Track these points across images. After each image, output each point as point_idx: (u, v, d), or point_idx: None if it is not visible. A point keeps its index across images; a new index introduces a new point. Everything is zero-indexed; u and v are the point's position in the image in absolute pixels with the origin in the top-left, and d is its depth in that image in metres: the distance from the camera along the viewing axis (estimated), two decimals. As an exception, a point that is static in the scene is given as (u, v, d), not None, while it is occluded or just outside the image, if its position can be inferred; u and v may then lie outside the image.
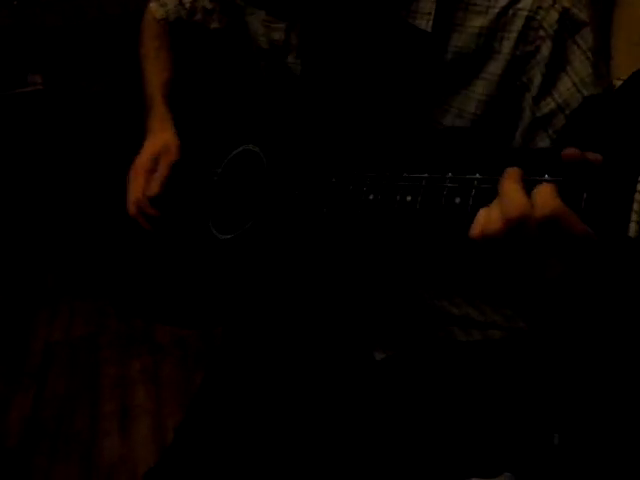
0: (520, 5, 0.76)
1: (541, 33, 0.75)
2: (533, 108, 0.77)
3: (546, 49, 0.75)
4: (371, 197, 0.73)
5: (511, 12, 0.76)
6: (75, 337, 2.37)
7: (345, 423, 0.92)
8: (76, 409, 2.03)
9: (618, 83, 0.80)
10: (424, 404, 0.89)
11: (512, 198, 0.53)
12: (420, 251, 0.90)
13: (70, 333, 2.40)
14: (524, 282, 0.58)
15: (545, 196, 0.52)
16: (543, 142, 0.77)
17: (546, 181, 0.53)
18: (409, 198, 0.67)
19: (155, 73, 1.15)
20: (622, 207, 0.49)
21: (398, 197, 0.69)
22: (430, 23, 0.78)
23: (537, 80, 0.76)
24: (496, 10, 0.77)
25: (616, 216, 0.49)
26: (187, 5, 1.12)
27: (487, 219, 0.56)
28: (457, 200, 0.61)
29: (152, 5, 1.17)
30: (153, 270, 1.10)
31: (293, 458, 0.91)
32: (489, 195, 0.58)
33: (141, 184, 1.05)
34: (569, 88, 0.75)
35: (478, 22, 0.78)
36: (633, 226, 0.48)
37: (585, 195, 0.51)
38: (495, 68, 0.78)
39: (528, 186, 0.54)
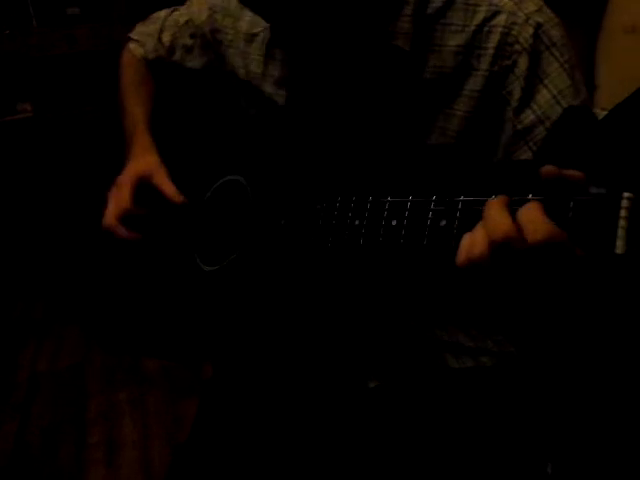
0: (494, 22, 0.77)
1: (517, 47, 0.77)
2: (513, 121, 0.78)
3: (523, 63, 0.76)
4: (356, 222, 0.73)
5: (486, 29, 0.78)
6: (61, 367, 2.34)
7: (338, 452, 0.91)
8: (62, 440, 2.00)
9: (602, 113, 0.82)
10: (417, 432, 0.88)
11: (496, 221, 0.54)
12: (408, 277, 0.89)
13: (56, 363, 2.37)
14: (512, 303, 0.58)
15: (536, 221, 0.52)
16: (525, 154, 0.78)
17: (530, 200, 0.54)
18: (394, 222, 0.67)
19: (136, 105, 1.14)
20: (608, 224, 0.49)
21: (383, 222, 0.69)
22: (408, 42, 0.80)
23: (516, 93, 0.77)
24: (472, 28, 0.79)
25: (602, 233, 0.50)
26: (166, 44, 1.12)
27: (472, 243, 0.56)
28: (442, 223, 0.61)
29: (131, 45, 1.17)
30: (138, 301, 1.09)
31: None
32: (474, 217, 0.58)
33: (121, 197, 1.02)
34: (548, 100, 0.76)
35: (455, 41, 0.80)
36: (619, 243, 0.48)
37: (570, 214, 0.52)
38: (474, 85, 0.79)
39: (512, 206, 0.55)
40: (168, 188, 1.01)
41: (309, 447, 0.93)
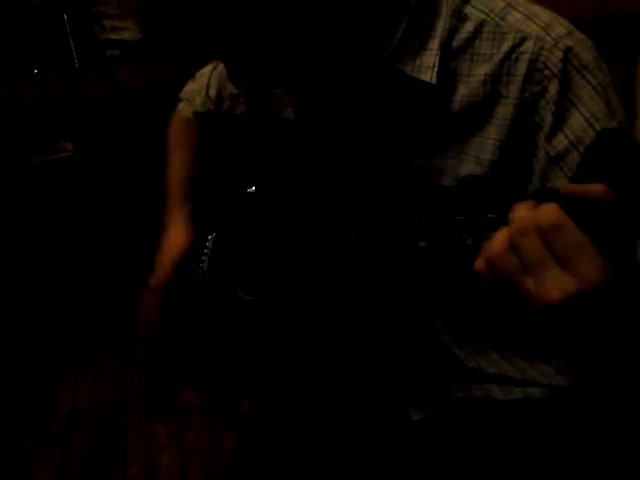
0: (522, 49, 0.76)
1: (547, 73, 0.75)
2: (547, 147, 0.76)
3: (554, 87, 0.75)
4: (387, 245, 0.74)
5: (514, 56, 0.77)
6: (100, 399, 2.37)
7: None
8: (102, 472, 2.02)
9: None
10: (463, 466, 0.87)
11: (518, 214, 0.56)
12: (444, 301, 0.90)
13: (95, 395, 2.39)
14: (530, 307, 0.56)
15: (547, 207, 0.53)
16: (560, 181, 0.76)
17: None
18: (422, 244, 0.67)
19: (177, 167, 1.20)
20: (629, 234, 0.49)
21: (412, 243, 0.69)
22: (435, 76, 0.79)
23: (548, 119, 0.76)
24: (500, 56, 0.77)
25: (624, 243, 0.50)
26: (213, 97, 1.16)
27: (490, 243, 0.57)
28: (469, 242, 0.61)
29: (180, 105, 1.22)
30: (181, 335, 1.11)
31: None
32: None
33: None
34: (581, 124, 0.74)
35: (482, 70, 0.79)
36: None
37: (592, 223, 0.52)
38: (505, 112, 0.78)
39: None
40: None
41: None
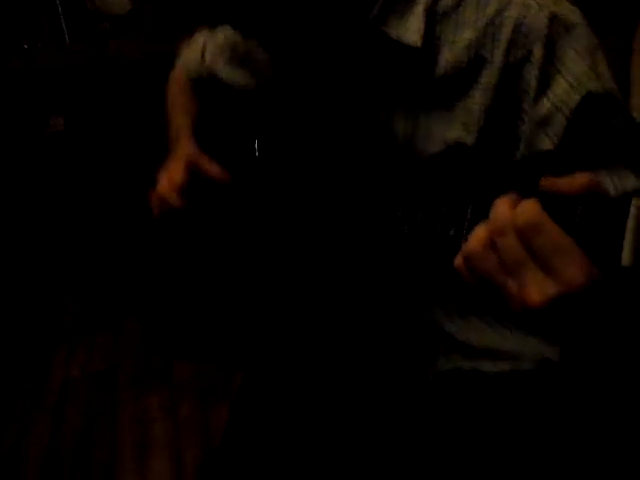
0: (507, 13, 0.76)
1: (531, 37, 0.75)
2: (531, 112, 0.76)
3: (538, 52, 0.75)
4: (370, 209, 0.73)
5: (499, 20, 0.76)
6: (93, 372, 2.37)
7: (372, 457, 0.92)
8: (94, 445, 2.02)
9: None
10: (451, 437, 0.87)
11: (497, 210, 0.52)
12: (433, 278, 0.89)
13: (88, 368, 2.40)
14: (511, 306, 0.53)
15: (526, 205, 0.50)
16: (546, 146, 0.76)
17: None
18: (406, 230, 0.66)
19: (180, 115, 1.18)
20: (614, 234, 0.46)
21: (397, 230, 0.68)
22: (420, 39, 0.79)
23: (533, 84, 0.76)
24: (484, 21, 0.77)
25: (608, 243, 0.46)
26: (207, 63, 1.15)
27: (470, 241, 0.54)
28: (452, 232, 0.59)
29: (177, 70, 1.23)
30: (178, 297, 1.11)
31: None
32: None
33: (174, 172, 1.03)
34: (565, 88, 0.74)
35: (467, 35, 0.79)
36: (626, 254, 0.45)
37: (577, 219, 0.48)
38: (490, 77, 0.78)
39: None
40: (214, 167, 1.01)
41: (344, 458, 0.92)
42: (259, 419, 0.98)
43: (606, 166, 0.73)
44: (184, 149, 1.09)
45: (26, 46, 2.89)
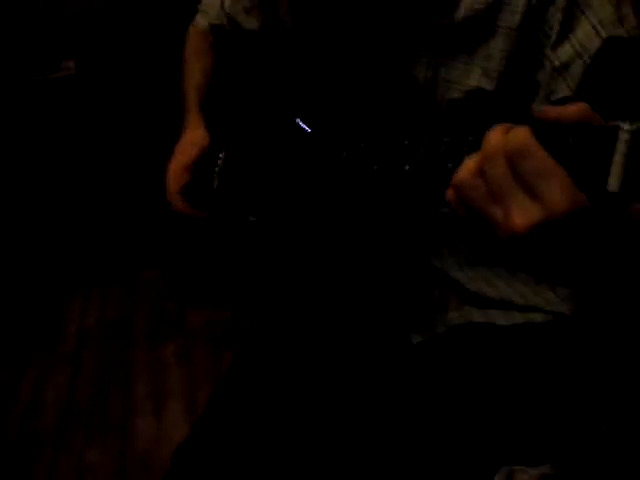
0: None
1: None
2: (552, 57, 0.74)
3: None
4: (375, 167, 0.71)
5: None
6: (108, 321, 2.40)
7: (382, 410, 0.91)
8: (110, 391, 2.06)
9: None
10: (463, 389, 0.87)
11: (489, 139, 0.51)
12: (441, 225, 0.88)
13: (103, 317, 2.42)
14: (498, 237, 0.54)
15: (516, 130, 0.49)
16: (563, 93, 0.74)
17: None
18: (407, 167, 0.65)
19: (194, 75, 1.20)
20: (602, 159, 0.45)
21: (398, 166, 0.66)
22: None
23: (556, 27, 0.73)
24: None
25: (596, 169, 0.46)
26: (227, 9, 1.15)
27: (459, 170, 0.53)
28: (449, 165, 0.58)
29: (197, 16, 1.23)
30: (195, 246, 1.13)
31: (326, 444, 0.90)
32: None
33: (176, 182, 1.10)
34: (587, 31, 0.71)
35: None
36: (613, 180, 0.44)
37: (563, 149, 0.48)
38: (511, 21, 0.75)
39: None
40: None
41: (350, 407, 0.92)
42: (262, 369, 0.98)
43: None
44: (192, 131, 1.14)
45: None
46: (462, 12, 0.77)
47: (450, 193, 0.54)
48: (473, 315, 0.92)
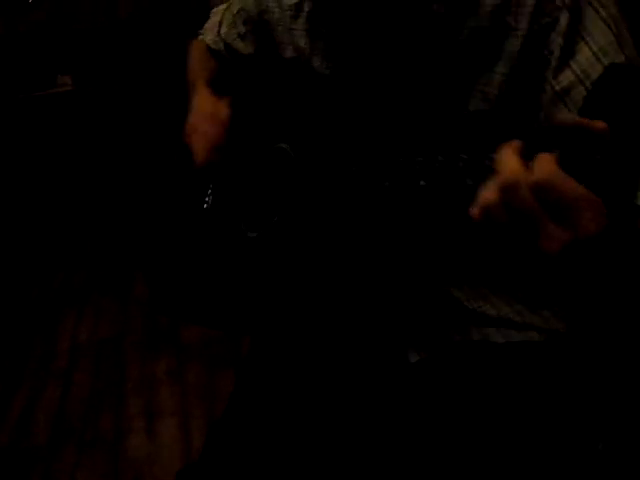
0: None
1: (558, 3, 0.72)
2: (552, 82, 0.74)
3: (564, 19, 0.72)
4: (387, 184, 0.72)
5: None
6: (101, 338, 2.38)
7: (379, 426, 0.91)
8: (102, 409, 2.05)
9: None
10: (460, 407, 0.86)
11: (507, 164, 0.53)
12: (445, 243, 0.88)
13: (96, 334, 2.41)
14: (532, 252, 0.56)
15: (541, 161, 0.50)
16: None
17: (547, 151, 0.51)
18: (422, 183, 0.65)
19: (199, 70, 1.19)
20: (630, 175, 0.46)
21: (413, 182, 0.67)
22: (442, 5, 0.77)
23: (556, 53, 0.73)
24: None
25: (624, 184, 0.47)
26: (223, 35, 1.15)
27: (485, 191, 0.55)
28: (469, 182, 0.59)
29: (199, 38, 1.23)
30: (186, 266, 1.11)
31: (326, 463, 0.90)
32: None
33: (207, 133, 1.05)
34: (588, 58, 0.72)
35: (491, 1, 0.76)
36: None
37: (589, 164, 0.49)
38: (513, 45, 0.76)
39: (528, 156, 0.53)
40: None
41: (348, 424, 0.92)
42: (264, 391, 0.98)
43: None
44: (204, 98, 1.11)
45: (31, 0, 2.84)
46: (465, 36, 0.78)
47: (475, 212, 0.56)
48: (472, 333, 0.91)
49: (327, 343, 0.99)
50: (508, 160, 0.53)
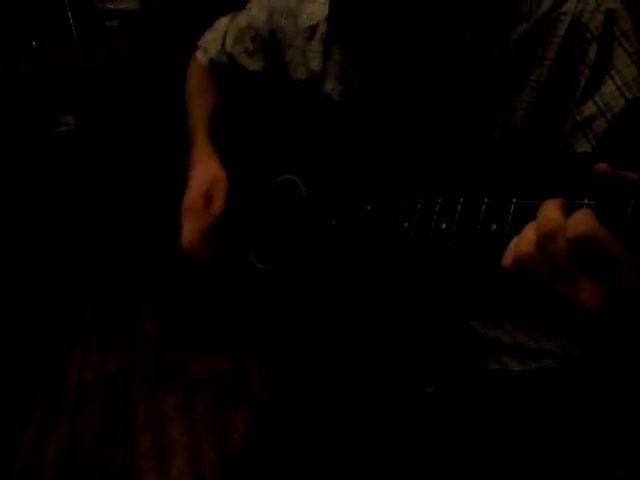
0: (563, 9, 0.74)
1: (587, 36, 0.73)
2: (575, 112, 0.75)
3: (593, 52, 0.73)
4: (405, 225, 0.71)
5: (553, 17, 0.75)
6: (109, 373, 2.37)
7: (397, 460, 0.91)
8: (111, 445, 2.03)
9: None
10: (478, 437, 0.86)
11: (548, 217, 0.52)
12: (462, 279, 0.88)
13: (104, 369, 2.40)
14: (563, 305, 0.56)
15: (579, 216, 0.49)
16: (583, 147, 0.75)
17: (585, 205, 0.50)
18: (444, 225, 0.65)
19: (198, 108, 1.18)
20: None
21: (433, 224, 0.67)
22: (469, 31, 0.78)
23: (582, 84, 0.74)
24: (538, 15, 0.76)
25: None
26: (228, 49, 1.15)
27: (519, 242, 0.54)
28: (493, 227, 0.59)
29: (198, 53, 1.22)
30: (194, 296, 1.12)
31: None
32: (526, 220, 0.55)
33: (199, 219, 1.06)
34: (612, 91, 0.73)
35: (519, 29, 0.77)
36: None
37: (628, 219, 0.47)
38: (540, 75, 0.76)
39: (568, 209, 0.52)
40: (217, 209, 1.06)
41: (365, 456, 0.92)
42: (278, 426, 0.97)
43: None
44: (200, 168, 1.11)
45: (34, 43, 2.89)
46: (492, 63, 0.78)
47: (509, 262, 0.55)
48: (488, 363, 0.92)
49: (342, 375, 0.98)
50: (548, 210, 0.52)
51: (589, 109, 0.74)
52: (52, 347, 2.55)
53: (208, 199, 1.08)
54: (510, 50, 0.78)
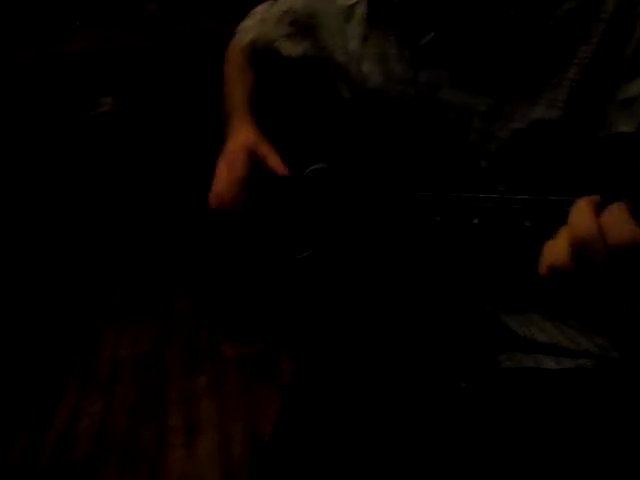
0: None
1: (638, 10, 0.69)
2: (619, 90, 0.72)
3: None
4: (437, 219, 0.70)
5: None
6: (141, 352, 2.41)
7: (431, 454, 0.90)
8: (143, 423, 2.06)
9: None
10: (511, 433, 0.85)
11: (579, 221, 0.51)
12: (496, 275, 0.87)
13: (136, 348, 2.43)
14: (602, 307, 0.55)
15: (615, 217, 0.49)
16: (625, 127, 0.72)
17: (616, 202, 0.50)
18: (476, 221, 0.65)
19: (237, 89, 1.18)
20: None
21: (466, 219, 0.66)
22: (514, 7, 0.75)
23: (629, 60, 0.71)
24: None
25: None
26: (268, 34, 1.14)
27: (554, 251, 0.54)
28: (527, 224, 0.59)
29: (236, 39, 1.22)
30: (228, 282, 1.11)
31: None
32: (560, 219, 0.55)
33: (235, 169, 1.05)
34: None
35: (566, 6, 0.74)
36: None
37: None
38: (586, 52, 0.73)
39: (601, 206, 0.51)
40: (273, 158, 1.03)
41: (398, 449, 0.90)
42: (310, 417, 0.95)
43: None
44: (242, 133, 1.10)
45: (75, 24, 2.93)
46: (538, 40, 0.76)
47: (544, 271, 0.55)
48: (522, 360, 0.90)
49: (376, 368, 0.97)
50: (581, 216, 0.51)
51: (633, 88, 0.71)
52: (86, 326, 2.59)
53: (250, 154, 1.06)
54: (556, 27, 0.75)
